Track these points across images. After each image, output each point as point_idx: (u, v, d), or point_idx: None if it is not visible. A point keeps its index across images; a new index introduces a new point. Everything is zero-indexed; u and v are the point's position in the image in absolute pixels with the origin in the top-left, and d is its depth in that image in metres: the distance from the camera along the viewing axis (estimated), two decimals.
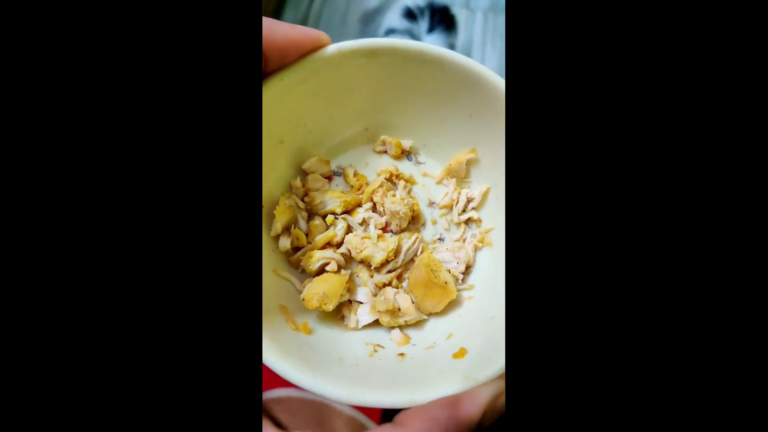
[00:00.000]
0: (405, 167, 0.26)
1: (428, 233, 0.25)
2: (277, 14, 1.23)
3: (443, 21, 0.89)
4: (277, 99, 0.21)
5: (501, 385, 0.17)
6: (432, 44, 0.22)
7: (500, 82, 0.21)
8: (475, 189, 0.24)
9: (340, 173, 0.26)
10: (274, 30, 0.19)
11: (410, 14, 0.90)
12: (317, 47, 0.21)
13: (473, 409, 0.17)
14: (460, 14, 1.20)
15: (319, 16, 1.22)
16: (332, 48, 0.21)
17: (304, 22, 1.21)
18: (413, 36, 0.84)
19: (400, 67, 0.22)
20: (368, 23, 1.20)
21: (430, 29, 0.84)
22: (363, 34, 1.19)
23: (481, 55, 1.15)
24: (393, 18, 0.98)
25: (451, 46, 0.93)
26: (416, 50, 0.21)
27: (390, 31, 0.95)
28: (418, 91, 0.23)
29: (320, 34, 0.21)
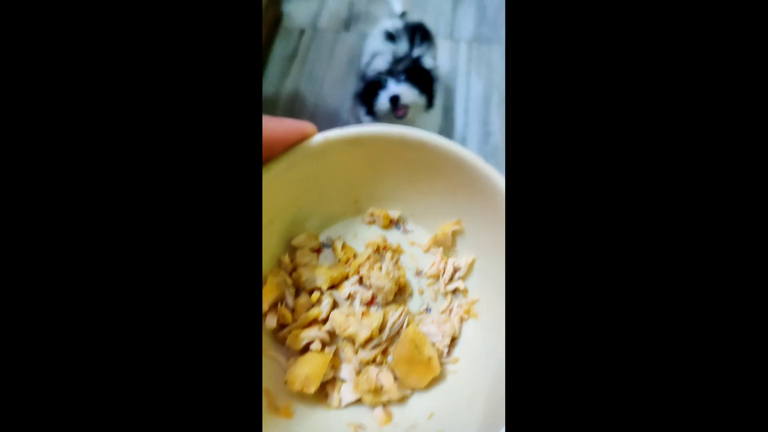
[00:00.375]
0: (393, 236, 0.26)
1: (415, 303, 0.25)
2: (268, 48, 1.25)
3: (424, 38, 0.89)
4: (265, 187, 0.21)
5: None
6: (415, 129, 0.22)
7: (481, 164, 0.21)
8: (461, 258, 0.25)
9: (329, 245, 0.26)
10: (264, 126, 0.20)
11: (390, 36, 0.92)
12: (303, 138, 0.21)
13: None
14: (444, 45, 1.23)
15: (308, 49, 1.25)
16: (318, 138, 0.22)
17: (293, 54, 1.23)
18: (395, 56, 0.82)
19: (385, 149, 0.23)
20: (354, 53, 1.22)
21: (411, 46, 0.83)
22: (350, 64, 1.21)
23: (466, 83, 1.17)
24: (375, 42, 0.99)
25: (434, 58, 0.92)
26: (398, 136, 0.22)
27: (375, 54, 0.95)
28: (404, 167, 0.23)
29: (305, 127, 0.21)
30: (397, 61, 0.79)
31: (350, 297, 0.24)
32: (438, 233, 0.25)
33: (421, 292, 0.25)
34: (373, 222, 0.26)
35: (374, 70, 0.78)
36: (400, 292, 0.25)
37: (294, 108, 1.16)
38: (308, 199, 0.25)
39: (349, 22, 1.28)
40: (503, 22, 1.27)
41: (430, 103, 0.81)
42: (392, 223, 0.26)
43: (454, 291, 0.25)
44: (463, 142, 1.11)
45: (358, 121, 0.89)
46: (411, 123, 0.80)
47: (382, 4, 1.31)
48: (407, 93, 0.74)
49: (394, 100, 0.75)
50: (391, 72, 0.77)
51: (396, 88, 0.74)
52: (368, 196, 0.26)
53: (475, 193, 0.22)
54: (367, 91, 0.79)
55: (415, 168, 0.23)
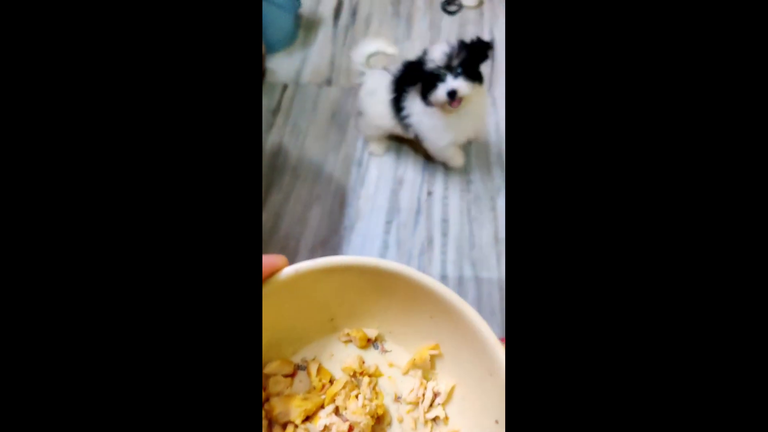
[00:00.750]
0: (371, 356, 0.25)
1: None
2: None
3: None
4: None
5: None
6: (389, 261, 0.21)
7: (454, 298, 0.20)
8: (441, 383, 0.24)
9: (304, 367, 0.25)
10: None
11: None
12: (274, 272, 0.21)
13: None
14: None
15: (291, 102, 1.27)
16: (289, 270, 0.21)
17: (277, 108, 1.25)
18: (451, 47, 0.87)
19: (359, 276, 0.22)
20: (336, 107, 1.25)
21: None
22: (333, 118, 1.23)
23: None
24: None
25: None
26: (372, 266, 0.21)
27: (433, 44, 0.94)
28: (380, 291, 0.23)
29: (276, 261, 0.21)
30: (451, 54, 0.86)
31: (326, 429, 0.23)
32: (416, 356, 0.24)
33: (401, 420, 0.24)
34: (350, 341, 0.25)
35: (432, 61, 0.85)
36: (379, 422, 0.24)
37: (276, 162, 1.16)
38: (282, 323, 0.24)
39: (330, 78, 1.31)
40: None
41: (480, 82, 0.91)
42: (370, 342, 0.25)
43: (435, 419, 0.24)
44: (445, 192, 1.12)
45: (400, 112, 0.96)
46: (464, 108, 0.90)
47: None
48: (463, 87, 0.84)
49: (452, 94, 0.85)
50: (449, 66, 0.85)
51: (454, 83, 0.83)
52: (344, 314, 0.25)
53: (451, 322, 0.21)
54: (426, 84, 0.88)
55: (391, 292, 0.23)
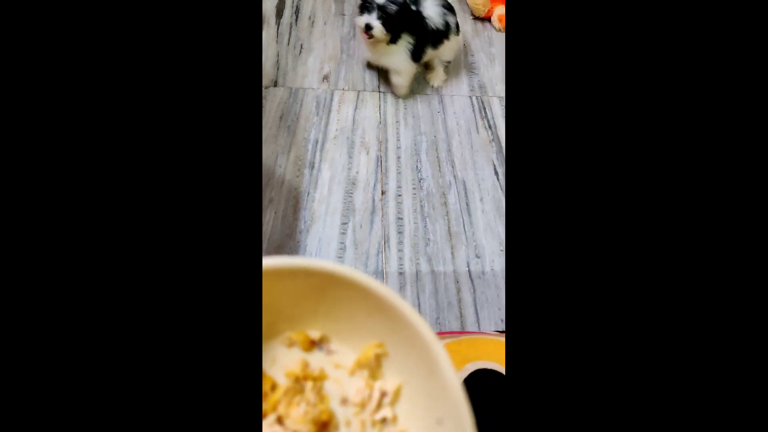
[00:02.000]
0: (316, 358, 0.24)
1: None
2: None
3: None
4: None
5: None
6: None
7: (390, 295, 0.20)
8: (388, 382, 0.23)
9: None
10: None
11: None
12: None
13: None
14: (372, 97, 1.26)
15: None
16: None
17: None
18: None
19: (293, 279, 0.21)
20: (284, 108, 1.22)
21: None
22: (281, 119, 1.20)
23: (396, 132, 1.20)
24: None
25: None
26: (301, 268, 0.20)
27: None
28: (319, 291, 0.22)
29: None
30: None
31: None
32: (361, 356, 0.23)
33: (348, 424, 0.23)
34: (293, 344, 0.24)
35: None
36: (325, 427, 0.22)
37: None
38: None
39: (276, 79, 1.27)
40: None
41: (393, 40, 1.08)
42: (314, 344, 0.24)
43: (383, 420, 0.23)
44: (398, 191, 1.12)
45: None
46: (379, 49, 1.10)
47: (308, 60, 1.32)
48: (378, 28, 1.02)
49: (368, 27, 1.03)
50: (381, 6, 1.01)
51: (373, 20, 1.01)
52: (285, 318, 0.24)
53: (391, 321, 0.21)
54: (361, 6, 1.05)
55: (331, 291, 0.22)
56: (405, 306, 0.19)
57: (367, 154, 1.18)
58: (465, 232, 1.09)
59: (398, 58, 1.12)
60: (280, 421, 0.22)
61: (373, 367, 0.23)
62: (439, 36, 1.12)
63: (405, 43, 1.09)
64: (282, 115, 1.21)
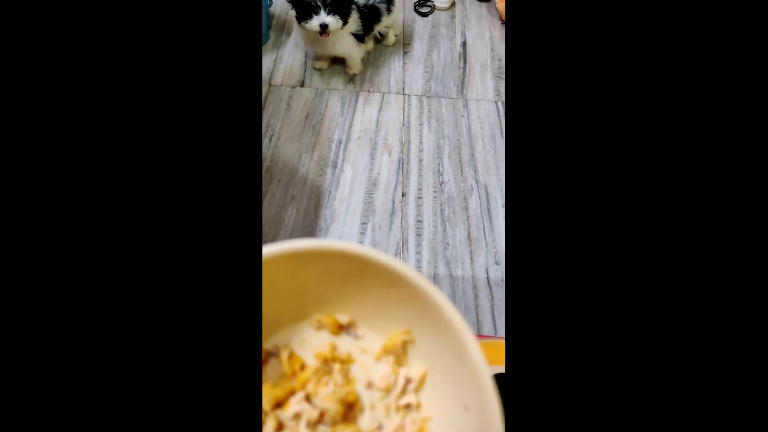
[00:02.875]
0: (343, 342, 0.25)
1: (366, 420, 0.23)
2: None
3: None
4: None
5: None
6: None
7: (424, 283, 0.20)
8: (413, 369, 0.24)
9: (276, 354, 0.24)
10: None
11: None
12: None
13: None
14: (397, 99, 1.27)
15: (264, 103, 1.25)
16: None
17: None
18: None
19: (324, 261, 0.22)
20: (310, 107, 1.24)
21: None
22: (307, 119, 1.22)
23: (419, 135, 1.21)
24: None
25: None
26: (337, 251, 0.21)
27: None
28: (351, 276, 0.23)
29: None
30: None
31: (297, 416, 0.22)
32: (387, 342, 0.24)
33: (373, 407, 0.24)
34: (322, 327, 0.25)
35: None
36: (351, 408, 0.23)
37: None
38: None
39: (303, 80, 1.30)
40: (450, 78, 1.34)
41: (345, 23, 1.13)
42: (342, 329, 0.25)
43: (407, 406, 0.23)
44: (418, 193, 1.13)
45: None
46: (330, 41, 1.15)
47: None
48: (333, 22, 1.07)
49: (324, 26, 1.07)
50: (324, 2, 1.06)
51: (325, 17, 1.06)
52: (315, 301, 0.25)
53: (422, 308, 0.21)
54: (301, 12, 1.09)
55: (362, 277, 0.22)
56: (437, 293, 0.20)
57: (389, 155, 1.19)
58: (485, 237, 1.08)
59: (347, 44, 1.20)
60: (308, 398, 0.23)
61: (399, 353, 0.24)
62: (376, 13, 1.22)
63: (350, 27, 1.16)
64: (307, 115, 1.24)
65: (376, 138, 1.21)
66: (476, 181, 1.17)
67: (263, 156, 1.17)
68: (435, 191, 1.14)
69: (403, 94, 1.28)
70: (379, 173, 1.15)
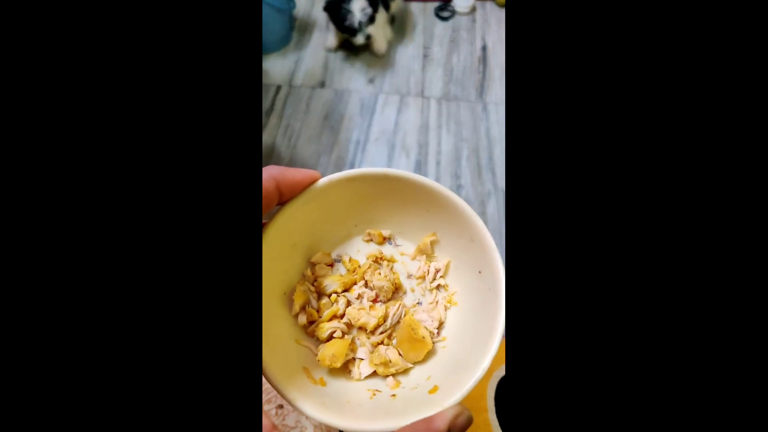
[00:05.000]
0: (387, 250, 0.37)
1: (409, 299, 0.36)
2: None
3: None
4: (290, 217, 0.32)
5: (460, 408, 0.27)
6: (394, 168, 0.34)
7: (441, 188, 0.33)
8: (440, 262, 0.36)
9: (339, 260, 0.37)
10: (285, 174, 0.31)
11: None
12: (314, 180, 0.32)
13: (441, 424, 0.26)
14: (415, 101, 1.41)
15: (284, 104, 1.40)
16: (323, 180, 0.33)
17: (270, 109, 1.38)
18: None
19: (373, 184, 0.34)
20: (329, 108, 1.39)
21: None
22: (326, 119, 1.36)
23: (438, 137, 1.35)
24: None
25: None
26: (381, 174, 0.33)
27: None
28: (389, 196, 0.35)
29: (313, 173, 0.32)
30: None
31: (359, 297, 0.35)
32: (420, 244, 0.37)
33: (413, 291, 0.36)
34: (370, 240, 0.38)
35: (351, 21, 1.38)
36: (397, 291, 0.36)
37: (269, 162, 1.28)
38: (320, 226, 0.36)
39: (324, 81, 1.45)
40: (470, 82, 1.48)
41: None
42: (385, 240, 0.38)
43: (438, 287, 0.36)
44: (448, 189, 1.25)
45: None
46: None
47: (355, 63, 1.50)
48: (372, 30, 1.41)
49: (369, 37, 1.40)
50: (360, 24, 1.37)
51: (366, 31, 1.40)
52: (365, 221, 0.37)
53: (442, 212, 0.34)
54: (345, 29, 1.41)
55: (397, 196, 0.35)
56: (453, 195, 0.32)
57: (407, 157, 1.32)
58: (502, 242, 1.18)
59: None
60: (366, 284, 0.35)
61: (429, 252, 0.36)
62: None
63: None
64: (326, 116, 1.38)
65: (395, 139, 1.34)
66: (494, 185, 1.27)
67: (282, 156, 1.31)
68: None
69: (422, 97, 1.43)
70: None
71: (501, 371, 0.78)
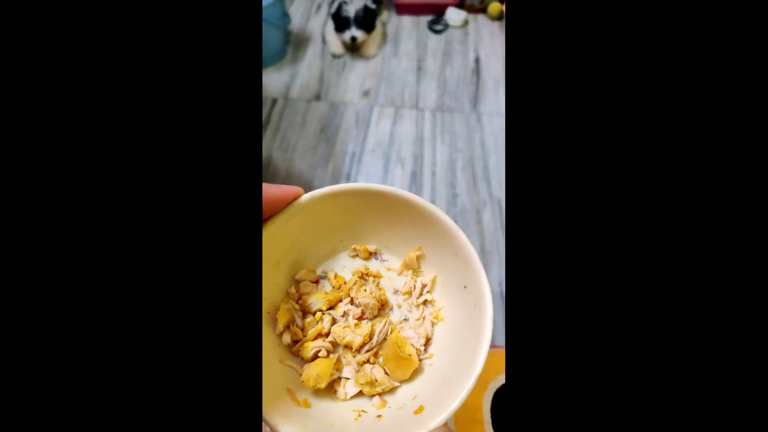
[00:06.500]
0: (373, 265, 0.37)
1: (395, 316, 0.35)
2: None
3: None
4: (272, 235, 0.31)
5: (444, 429, 0.27)
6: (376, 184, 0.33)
7: (423, 203, 0.32)
8: (426, 276, 0.35)
9: (325, 276, 0.36)
10: (266, 192, 0.30)
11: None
12: (296, 197, 0.32)
13: None
14: (410, 113, 1.42)
15: (280, 117, 1.40)
16: (306, 196, 0.32)
17: (266, 122, 1.38)
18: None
19: (357, 199, 0.33)
20: (325, 121, 1.39)
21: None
22: (321, 132, 1.36)
23: (433, 148, 1.35)
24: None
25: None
26: (365, 189, 0.33)
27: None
28: (374, 211, 0.34)
29: (296, 189, 0.31)
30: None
31: (345, 314, 0.34)
32: (406, 259, 0.36)
33: (399, 306, 0.35)
34: (356, 255, 0.37)
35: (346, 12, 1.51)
36: (383, 308, 0.35)
37: (266, 175, 1.28)
38: (305, 242, 0.35)
39: (319, 94, 1.45)
40: (463, 93, 1.48)
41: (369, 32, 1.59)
42: (371, 255, 0.37)
43: (424, 302, 0.35)
44: (432, 204, 1.25)
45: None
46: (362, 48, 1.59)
47: (350, 76, 1.50)
48: (359, 34, 1.51)
49: (354, 39, 1.51)
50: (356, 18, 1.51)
51: (355, 31, 1.51)
52: (350, 236, 0.36)
53: (427, 226, 0.33)
54: (339, 25, 1.53)
55: (382, 211, 0.34)
56: (437, 211, 0.32)
57: (403, 168, 1.32)
58: (498, 251, 1.18)
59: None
60: (352, 301, 0.34)
61: (415, 267, 0.36)
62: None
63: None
64: (322, 128, 1.38)
65: (390, 151, 1.34)
66: (489, 194, 1.27)
67: (278, 169, 1.30)
68: (448, 204, 1.26)
69: (417, 109, 1.43)
70: (392, 185, 1.27)
71: (497, 382, 0.77)
